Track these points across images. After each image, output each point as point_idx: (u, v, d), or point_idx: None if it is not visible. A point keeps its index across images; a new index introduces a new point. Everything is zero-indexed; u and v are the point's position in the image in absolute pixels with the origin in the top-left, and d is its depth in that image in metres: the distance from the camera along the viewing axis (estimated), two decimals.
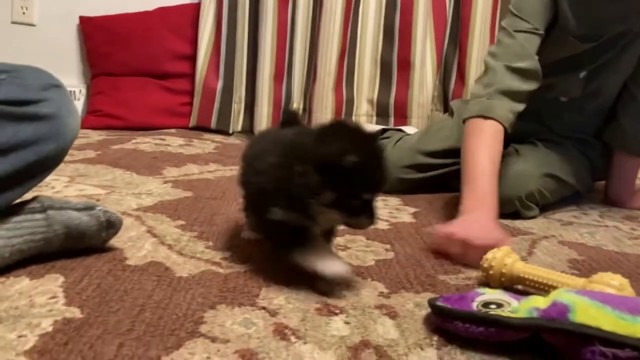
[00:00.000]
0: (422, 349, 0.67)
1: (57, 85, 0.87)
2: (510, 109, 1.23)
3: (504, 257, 0.86)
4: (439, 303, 0.72)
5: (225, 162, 1.73)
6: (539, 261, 1.01)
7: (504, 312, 0.69)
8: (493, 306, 0.71)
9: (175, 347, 0.63)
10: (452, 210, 1.25)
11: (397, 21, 2.25)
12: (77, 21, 2.37)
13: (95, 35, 2.34)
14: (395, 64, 2.26)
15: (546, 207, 1.38)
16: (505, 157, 1.36)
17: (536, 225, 1.26)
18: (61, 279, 0.79)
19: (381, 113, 2.31)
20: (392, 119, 2.29)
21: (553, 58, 1.36)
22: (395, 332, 0.71)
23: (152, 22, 2.31)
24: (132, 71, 2.31)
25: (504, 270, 0.86)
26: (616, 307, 0.65)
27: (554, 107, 1.46)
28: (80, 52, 2.43)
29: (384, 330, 0.71)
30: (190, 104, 2.28)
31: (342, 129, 0.79)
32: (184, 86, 2.30)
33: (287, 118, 1.01)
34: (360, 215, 0.78)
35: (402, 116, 2.28)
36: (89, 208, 0.87)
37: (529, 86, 1.26)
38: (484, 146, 1.18)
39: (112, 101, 2.27)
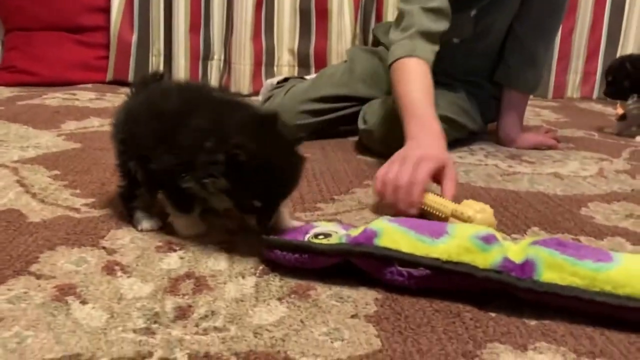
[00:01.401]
0: (243, 277, 0.71)
1: None
2: (431, 49, 1.24)
3: None
4: (268, 236, 0.76)
5: None
6: None
7: (323, 240, 0.73)
8: (321, 237, 0.75)
9: None
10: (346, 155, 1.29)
11: None
12: None
13: None
14: (314, 13, 2.26)
15: None
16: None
17: None
18: None
19: (302, 63, 2.31)
20: (313, 69, 2.30)
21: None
22: (225, 264, 0.74)
23: None
24: (46, 25, 2.25)
25: None
26: (420, 231, 0.70)
27: (448, 49, 1.49)
28: None
29: (215, 262, 0.75)
30: (106, 57, 2.24)
31: (270, 126, 0.75)
32: (99, 39, 2.26)
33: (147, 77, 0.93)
34: (252, 214, 0.76)
35: (323, 65, 2.28)
36: None
37: (442, 26, 1.27)
38: (414, 81, 1.17)
39: (25, 57, 2.22)
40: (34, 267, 0.70)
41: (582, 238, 0.89)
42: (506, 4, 1.43)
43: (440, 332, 0.60)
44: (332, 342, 0.58)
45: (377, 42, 1.70)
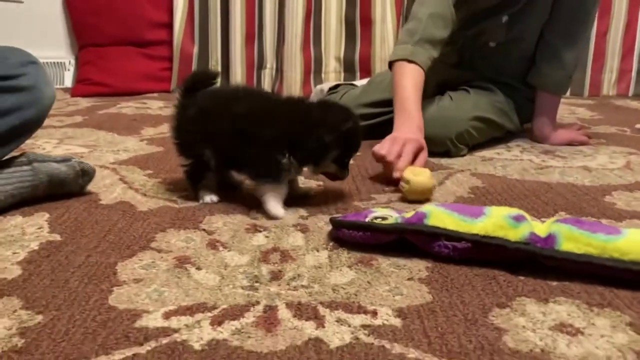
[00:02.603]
0: (317, 251, 0.88)
1: (34, 62, 1.06)
2: (429, 56, 1.45)
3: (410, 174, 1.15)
4: (336, 218, 0.93)
5: None
6: (446, 189, 1.21)
7: (382, 222, 0.90)
8: (379, 219, 0.92)
9: (129, 256, 0.85)
10: None
11: None
12: None
13: (80, 8, 2.51)
14: (358, 21, 2.43)
15: (477, 147, 1.57)
16: (440, 102, 1.57)
17: (459, 161, 1.46)
18: (47, 215, 1.01)
19: (348, 69, 2.49)
20: (358, 74, 2.47)
21: (480, 6, 1.58)
22: (302, 241, 0.92)
23: None
24: (116, 41, 2.49)
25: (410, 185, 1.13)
26: (462, 213, 0.86)
27: (485, 52, 1.65)
28: (66, 26, 2.60)
29: (294, 240, 0.92)
30: (170, 69, 2.46)
31: (332, 106, 1.11)
32: (163, 52, 2.48)
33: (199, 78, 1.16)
34: (345, 168, 1.08)
35: (367, 71, 2.46)
36: (66, 160, 1.07)
37: (445, 33, 1.49)
38: (407, 82, 1.41)
39: (98, 70, 2.46)
40: (153, 244, 0.90)
41: (604, 220, 1.03)
42: (536, 11, 1.58)
43: (479, 290, 0.76)
44: (394, 296, 0.74)
45: None
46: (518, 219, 0.83)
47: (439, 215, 0.86)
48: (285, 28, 2.39)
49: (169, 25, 2.46)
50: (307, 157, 1.04)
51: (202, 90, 1.11)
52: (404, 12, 2.46)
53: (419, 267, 0.83)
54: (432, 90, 1.61)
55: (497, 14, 1.59)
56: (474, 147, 1.56)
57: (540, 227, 0.85)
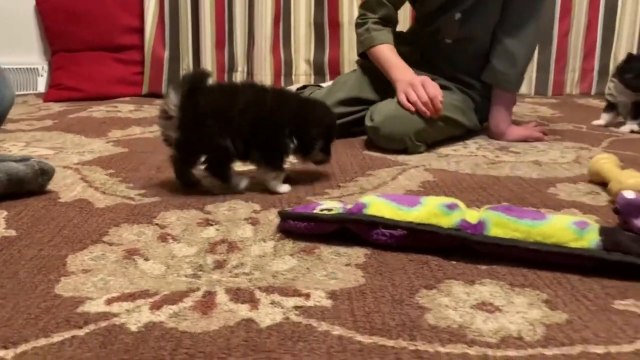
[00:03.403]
0: (264, 241, 0.92)
1: None
2: (387, 32, 1.70)
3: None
4: (285, 210, 0.97)
5: None
6: (398, 184, 1.26)
7: (327, 213, 0.94)
8: (325, 211, 0.96)
9: (80, 249, 0.88)
10: (354, 151, 1.50)
11: None
12: (33, 2, 2.56)
13: (52, 14, 2.53)
14: (327, 25, 2.48)
15: (436, 144, 1.62)
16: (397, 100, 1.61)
17: (416, 158, 1.50)
18: (5, 213, 1.04)
19: (318, 72, 2.53)
20: (328, 77, 2.52)
21: (436, 3, 1.68)
22: (251, 233, 0.96)
23: None
24: (88, 46, 2.52)
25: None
26: (399, 202, 0.90)
27: (442, 49, 1.72)
28: (39, 32, 2.63)
29: (243, 232, 0.96)
30: (142, 73, 2.49)
31: (314, 102, 1.33)
32: (135, 57, 2.51)
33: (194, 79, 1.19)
34: (329, 154, 1.27)
35: (337, 73, 2.50)
36: (25, 159, 1.10)
37: (387, 10, 1.73)
38: (387, 53, 1.67)
39: (71, 75, 2.49)
40: (106, 238, 0.93)
41: (543, 210, 1.08)
42: (487, 8, 1.66)
43: (410, 274, 0.81)
44: (329, 280, 0.78)
45: None
46: (451, 207, 0.88)
47: (378, 205, 0.90)
48: (254, 31, 2.43)
49: (141, 30, 2.49)
50: (300, 149, 1.22)
51: (202, 88, 1.15)
52: None
53: (358, 254, 0.87)
54: (393, 88, 1.65)
55: (450, 10, 1.68)
56: (433, 145, 1.61)
57: (472, 215, 0.89)
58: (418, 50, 1.77)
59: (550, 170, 1.38)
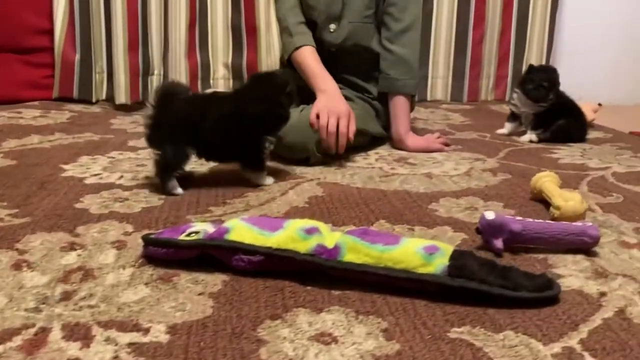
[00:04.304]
0: (124, 268, 0.90)
1: None
2: (308, 35, 1.72)
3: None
4: (149, 234, 0.95)
5: (71, 130, 1.90)
6: (285, 200, 1.26)
7: (191, 237, 0.93)
8: (193, 234, 0.95)
9: None
10: None
11: None
12: None
13: None
14: (244, 29, 2.45)
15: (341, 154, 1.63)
16: (303, 110, 1.61)
17: (313, 170, 1.50)
18: None
19: (236, 76, 2.51)
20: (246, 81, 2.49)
21: (319, 19, 1.76)
22: (113, 258, 0.94)
23: None
24: None
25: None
26: (262, 227, 0.90)
27: (330, 58, 1.73)
28: None
29: (104, 257, 0.94)
30: (52, 76, 2.40)
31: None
32: (45, 59, 2.42)
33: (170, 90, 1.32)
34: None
35: None
36: None
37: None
38: (309, 59, 1.68)
39: None
40: None
41: (417, 227, 1.10)
42: (353, 20, 1.75)
43: (261, 302, 0.80)
44: (175, 312, 0.77)
45: None
46: (310, 231, 0.88)
47: (240, 230, 0.90)
48: (169, 34, 2.38)
49: (51, 32, 2.40)
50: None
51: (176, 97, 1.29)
52: None
53: (216, 281, 0.86)
54: (297, 98, 1.65)
55: (326, 22, 1.75)
56: (336, 154, 1.61)
57: (332, 238, 0.90)
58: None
59: (439, 183, 1.40)
